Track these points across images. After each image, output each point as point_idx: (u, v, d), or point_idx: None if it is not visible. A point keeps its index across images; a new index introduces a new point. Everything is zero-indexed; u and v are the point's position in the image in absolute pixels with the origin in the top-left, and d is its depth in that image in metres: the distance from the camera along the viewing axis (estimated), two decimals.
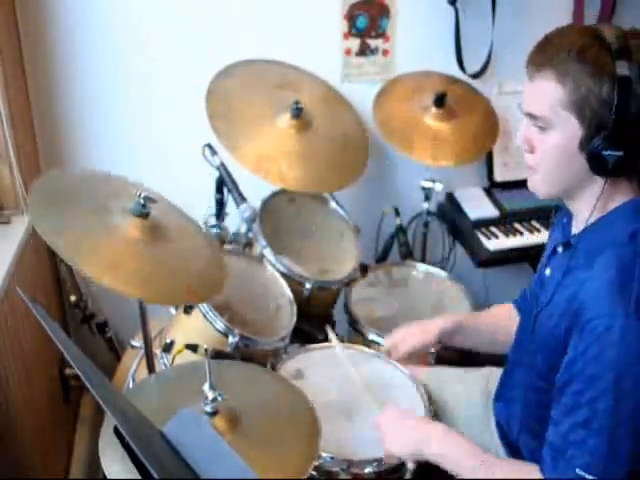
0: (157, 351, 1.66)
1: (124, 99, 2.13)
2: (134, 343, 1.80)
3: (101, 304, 2.30)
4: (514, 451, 1.40)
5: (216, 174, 1.94)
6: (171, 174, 2.07)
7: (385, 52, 2.24)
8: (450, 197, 2.34)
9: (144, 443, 0.88)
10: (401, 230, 2.27)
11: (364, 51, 2.22)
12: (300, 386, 1.47)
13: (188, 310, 1.65)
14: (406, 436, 1.36)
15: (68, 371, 2.12)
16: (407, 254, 2.26)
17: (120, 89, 2.12)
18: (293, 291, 1.85)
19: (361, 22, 2.18)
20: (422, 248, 2.28)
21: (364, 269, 2.06)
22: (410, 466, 1.40)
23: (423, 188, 2.17)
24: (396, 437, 1.37)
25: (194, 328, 1.64)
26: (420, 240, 2.29)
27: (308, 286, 1.87)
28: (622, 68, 1.06)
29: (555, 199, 1.25)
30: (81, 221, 1.32)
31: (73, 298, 2.21)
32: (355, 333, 1.91)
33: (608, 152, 1.09)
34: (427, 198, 2.19)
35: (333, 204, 2.14)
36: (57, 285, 2.23)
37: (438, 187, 2.15)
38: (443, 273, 2.13)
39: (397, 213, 2.28)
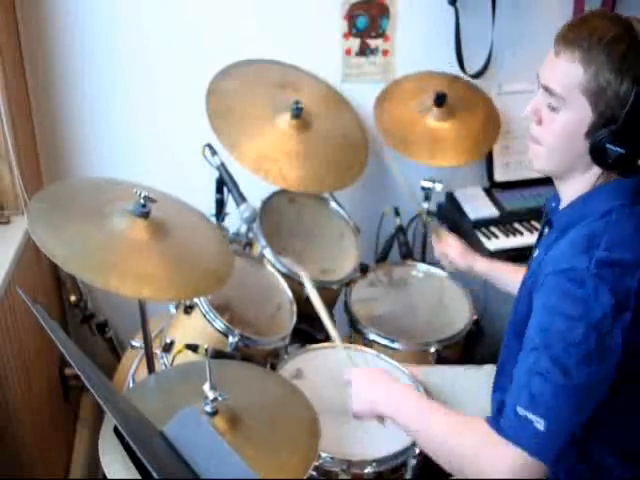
0: (157, 351, 1.66)
1: (124, 99, 2.13)
2: (134, 343, 1.80)
3: (101, 304, 2.30)
4: None
5: (216, 174, 1.94)
6: (171, 174, 2.07)
7: (385, 52, 2.24)
8: (450, 197, 2.34)
9: (144, 443, 0.88)
10: (401, 230, 2.27)
11: (364, 51, 2.22)
12: (300, 386, 1.47)
13: (188, 310, 1.65)
14: (364, 397, 1.36)
15: (68, 371, 2.12)
16: (407, 254, 2.26)
17: (120, 89, 2.12)
18: (293, 291, 1.84)
19: (361, 22, 2.18)
20: (422, 248, 2.28)
21: (364, 269, 2.06)
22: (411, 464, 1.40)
23: (423, 188, 2.16)
24: (357, 397, 1.37)
25: (194, 328, 1.64)
26: (420, 240, 2.29)
27: None
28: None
29: (545, 174, 1.27)
30: (80, 229, 1.32)
31: (73, 298, 2.21)
32: (355, 333, 1.91)
33: (611, 146, 1.11)
34: (427, 198, 2.18)
35: (333, 204, 2.14)
36: (57, 285, 2.23)
37: (438, 187, 2.15)
38: (443, 273, 2.13)
39: (397, 213, 2.28)
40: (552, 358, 1.08)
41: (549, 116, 1.18)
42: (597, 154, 1.14)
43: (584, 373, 1.07)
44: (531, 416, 1.07)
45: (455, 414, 1.22)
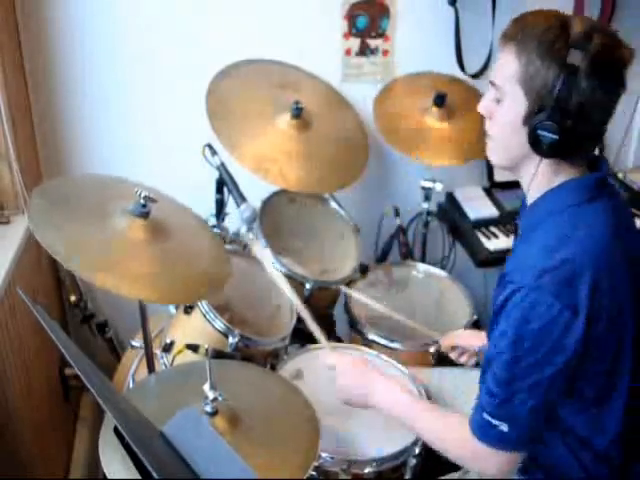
0: (157, 351, 1.66)
1: (124, 99, 2.13)
2: (134, 343, 1.80)
3: (101, 304, 2.30)
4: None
5: (216, 174, 1.94)
6: (171, 174, 2.07)
7: (385, 52, 2.24)
8: (450, 197, 2.34)
9: (144, 443, 0.88)
10: (401, 230, 2.27)
11: (364, 51, 2.22)
12: (300, 386, 1.47)
13: (188, 310, 1.65)
14: (353, 391, 1.42)
15: (68, 371, 2.12)
16: (407, 254, 2.26)
17: (120, 89, 2.12)
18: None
19: (361, 22, 2.18)
20: (422, 248, 2.28)
21: (364, 269, 2.06)
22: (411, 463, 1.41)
23: (423, 188, 2.16)
24: (345, 388, 1.43)
25: (194, 328, 1.64)
26: (420, 240, 2.29)
27: (308, 286, 1.87)
28: (573, 57, 1.11)
29: (502, 168, 1.32)
30: (80, 226, 1.32)
31: (73, 298, 2.21)
32: (355, 333, 1.91)
33: (544, 133, 1.15)
34: (427, 198, 2.18)
35: (333, 204, 2.14)
36: (57, 285, 2.23)
37: (438, 187, 2.15)
38: (443, 273, 2.13)
39: (397, 213, 2.28)
40: (505, 366, 1.16)
41: (495, 108, 1.24)
42: (533, 141, 1.17)
43: (532, 378, 1.14)
44: (495, 422, 1.18)
45: (438, 414, 1.33)
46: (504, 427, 1.18)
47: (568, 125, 1.13)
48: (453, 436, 1.28)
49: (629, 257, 1.20)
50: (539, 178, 1.23)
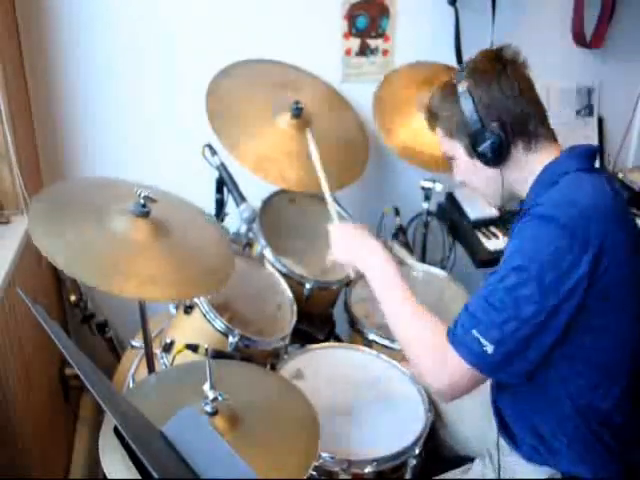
0: (157, 351, 1.66)
1: (124, 99, 2.13)
2: (134, 343, 1.80)
3: (101, 304, 2.30)
4: (515, 445, 1.40)
5: (216, 174, 1.94)
6: (171, 174, 2.07)
7: (385, 52, 2.24)
8: (450, 197, 2.34)
9: (144, 443, 0.88)
10: (401, 230, 2.27)
11: (364, 51, 2.22)
12: (300, 386, 1.47)
13: (188, 310, 1.65)
14: (350, 251, 1.46)
15: (68, 371, 2.12)
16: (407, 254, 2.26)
17: (120, 89, 2.12)
18: (293, 291, 1.85)
19: (361, 22, 2.18)
20: (422, 248, 2.28)
21: None
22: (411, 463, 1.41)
23: (423, 188, 2.16)
24: (341, 248, 1.48)
25: (194, 328, 1.64)
26: (420, 240, 2.29)
27: (308, 286, 1.87)
28: (461, 86, 1.32)
29: (510, 202, 1.43)
30: (81, 230, 1.31)
31: (73, 298, 2.21)
32: (355, 333, 1.91)
33: (482, 148, 1.31)
34: (427, 198, 2.18)
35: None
36: (57, 285, 2.23)
37: (438, 187, 2.15)
38: (443, 273, 2.13)
39: (397, 213, 2.28)
40: (506, 290, 1.18)
41: (458, 168, 1.42)
42: (486, 160, 1.33)
43: (531, 308, 1.16)
44: (483, 341, 1.19)
45: (423, 309, 1.32)
46: (489, 348, 1.19)
47: (494, 127, 1.29)
48: (426, 338, 1.28)
49: (632, 235, 1.25)
50: (524, 172, 1.33)
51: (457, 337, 1.23)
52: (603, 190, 1.25)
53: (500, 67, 1.31)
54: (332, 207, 1.68)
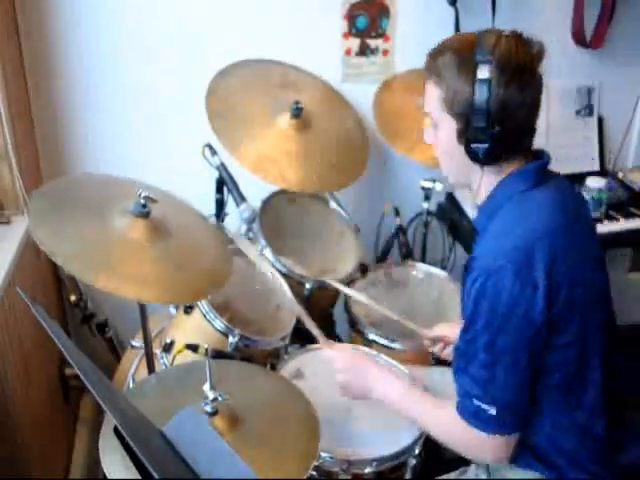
0: (157, 351, 1.66)
1: (124, 99, 2.13)
2: (134, 343, 1.80)
3: (101, 304, 2.30)
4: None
5: (216, 174, 1.94)
6: (171, 174, 2.07)
7: (385, 52, 2.24)
8: (450, 197, 2.34)
9: (144, 443, 0.88)
10: (401, 230, 2.27)
11: (364, 51, 2.22)
12: (300, 386, 1.47)
13: (188, 310, 1.65)
14: (353, 388, 1.46)
15: (68, 371, 2.12)
16: (407, 254, 2.26)
17: (119, 89, 2.12)
18: (293, 291, 1.84)
19: (361, 22, 2.18)
20: (422, 248, 2.28)
21: (364, 269, 2.06)
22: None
23: (423, 188, 2.16)
24: (345, 385, 1.47)
25: (194, 328, 1.64)
26: (420, 240, 2.29)
27: (308, 286, 1.87)
28: (482, 71, 1.19)
29: (462, 187, 1.39)
30: (81, 228, 1.32)
31: (73, 298, 2.21)
32: (355, 333, 1.91)
33: (477, 145, 1.23)
34: (427, 198, 2.18)
35: (333, 204, 2.14)
36: (57, 285, 2.23)
37: (438, 187, 2.15)
38: (443, 273, 2.13)
39: (397, 213, 2.28)
40: (483, 349, 1.21)
41: (434, 135, 1.32)
42: (471, 155, 1.26)
43: (510, 357, 1.19)
44: (484, 406, 1.22)
45: (432, 407, 1.37)
46: (492, 410, 1.22)
47: (496, 132, 1.21)
48: (450, 428, 1.31)
49: (582, 241, 1.27)
50: (485, 180, 1.30)
51: (465, 413, 1.26)
52: (547, 208, 1.25)
53: (529, 68, 1.22)
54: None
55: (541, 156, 1.31)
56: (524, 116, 1.23)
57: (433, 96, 1.27)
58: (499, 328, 1.19)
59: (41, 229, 1.27)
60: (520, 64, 1.20)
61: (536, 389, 1.26)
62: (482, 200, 1.33)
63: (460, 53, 1.23)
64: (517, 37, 1.23)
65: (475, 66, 1.20)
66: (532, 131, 1.28)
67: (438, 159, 1.36)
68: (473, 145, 1.24)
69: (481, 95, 1.20)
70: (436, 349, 1.73)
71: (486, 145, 1.23)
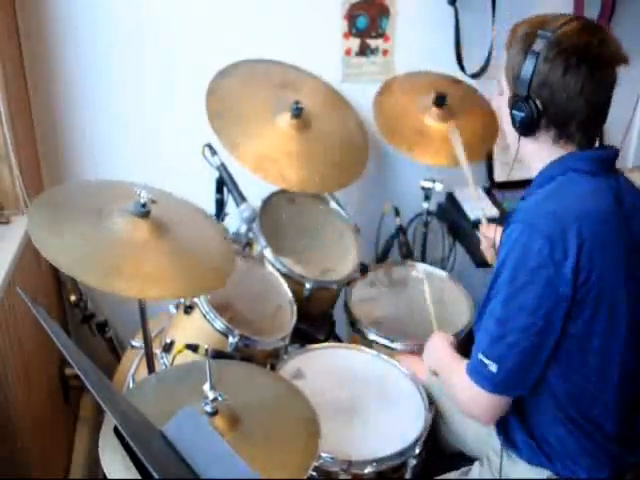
0: (157, 351, 1.66)
1: (124, 99, 2.13)
2: (134, 343, 1.80)
3: (101, 304, 2.30)
4: (513, 446, 1.40)
5: (216, 174, 1.94)
6: (171, 174, 2.07)
7: (385, 52, 2.24)
8: (450, 197, 2.34)
9: (144, 443, 0.88)
10: (401, 230, 2.27)
11: (364, 51, 2.22)
12: (300, 386, 1.47)
13: (188, 310, 1.65)
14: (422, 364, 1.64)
15: (68, 371, 2.12)
16: (407, 254, 2.26)
17: (120, 89, 2.12)
18: (293, 291, 1.84)
19: (361, 22, 2.18)
20: (422, 248, 2.28)
21: (364, 269, 2.06)
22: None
23: (423, 188, 2.16)
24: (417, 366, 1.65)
25: (194, 328, 1.64)
26: (420, 240, 2.29)
27: (308, 286, 1.87)
28: (537, 44, 1.23)
29: (519, 157, 1.39)
30: (81, 231, 1.32)
31: (73, 298, 2.21)
32: (355, 333, 1.91)
33: (515, 112, 1.29)
34: (427, 198, 2.18)
35: (333, 204, 2.14)
36: (57, 285, 2.23)
37: (438, 187, 2.15)
38: (443, 273, 2.13)
39: (397, 213, 2.28)
40: (502, 304, 1.23)
41: (500, 104, 1.38)
42: (513, 123, 1.31)
43: (525, 319, 1.21)
44: (486, 361, 1.25)
45: (452, 361, 1.49)
46: (493, 367, 1.24)
47: (534, 104, 1.25)
48: (457, 382, 1.37)
49: (627, 240, 1.26)
50: (537, 155, 1.33)
51: (469, 366, 1.31)
52: (599, 194, 1.25)
53: (582, 55, 1.22)
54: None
55: (608, 148, 1.34)
56: (565, 99, 1.24)
57: (504, 64, 1.33)
58: (521, 284, 1.20)
59: (41, 236, 1.27)
60: (574, 48, 1.22)
61: (550, 378, 1.27)
62: (536, 170, 1.34)
63: (531, 27, 1.27)
64: (590, 26, 1.26)
65: (534, 39, 1.24)
66: (583, 121, 1.27)
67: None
68: (513, 111, 1.29)
69: (528, 66, 1.24)
70: (484, 245, 1.85)
71: (522, 114, 1.27)
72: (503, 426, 1.41)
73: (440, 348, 1.59)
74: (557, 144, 1.29)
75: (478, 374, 1.28)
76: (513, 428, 1.39)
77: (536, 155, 1.33)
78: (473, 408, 1.34)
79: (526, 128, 1.29)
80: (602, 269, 1.20)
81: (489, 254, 1.82)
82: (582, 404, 1.29)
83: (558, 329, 1.21)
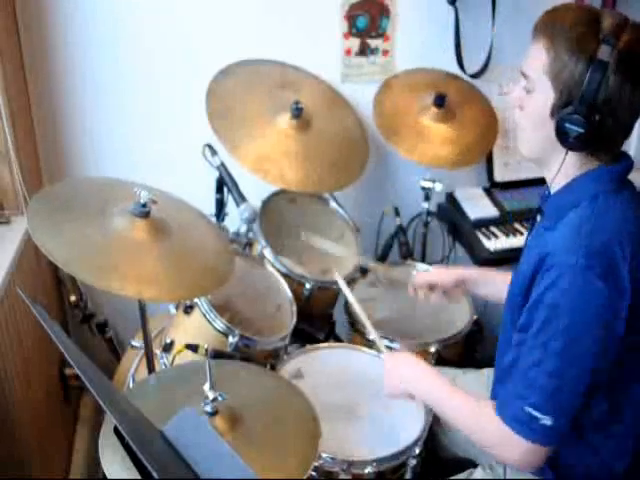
0: (157, 351, 1.66)
1: (124, 99, 2.13)
2: (134, 343, 1.80)
3: (101, 304, 2.30)
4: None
5: (216, 174, 1.94)
6: (171, 174, 2.07)
7: (385, 52, 2.24)
8: (450, 197, 2.34)
9: (144, 443, 0.88)
10: (401, 230, 2.27)
11: (364, 51, 2.22)
12: (300, 386, 1.47)
13: (188, 310, 1.65)
14: (398, 385, 1.47)
15: (68, 371, 2.12)
16: (407, 254, 2.26)
17: (120, 89, 2.12)
18: (293, 291, 1.84)
19: (361, 22, 2.18)
20: (422, 248, 2.28)
21: (364, 269, 2.06)
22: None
23: (423, 188, 2.16)
24: (390, 383, 1.48)
25: (194, 328, 1.64)
26: (420, 240, 2.29)
27: (308, 286, 1.87)
28: (602, 52, 1.11)
29: (529, 160, 1.32)
30: (80, 230, 1.31)
31: (73, 298, 2.21)
32: (355, 333, 1.91)
33: (570, 126, 1.16)
34: (427, 198, 2.18)
35: (333, 204, 2.14)
36: (57, 285, 2.23)
37: (438, 187, 2.15)
38: None
39: (397, 213, 2.28)
40: (557, 356, 1.14)
41: (526, 99, 1.24)
42: (560, 133, 1.18)
43: (584, 364, 1.15)
44: (539, 415, 1.16)
45: (468, 402, 1.32)
46: (548, 421, 1.16)
47: (594, 120, 1.14)
48: (484, 426, 1.27)
49: None
50: (565, 169, 1.23)
51: (508, 414, 1.21)
52: (630, 213, 1.21)
53: None
54: (379, 341, 1.67)
55: (623, 160, 1.25)
56: (627, 114, 1.16)
57: (538, 58, 1.18)
58: (581, 334, 1.13)
59: (41, 232, 1.26)
60: None
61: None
62: (557, 187, 1.26)
63: (581, 25, 1.14)
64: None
65: (595, 45, 1.12)
66: (628, 132, 1.21)
67: (517, 122, 1.29)
68: (567, 125, 1.16)
69: (593, 77, 1.12)
70: (421, 294, 1.74)
71: (580, 130, 1.15)
72: None
73: (427, 374, 1.42)
74: (590, 158, 1.22)
75: (524, 426, 1.18)
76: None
77: (564, 168, 1.23)
78: (516, 456, 1.22)
79: (581, 145, 1.18)
80: None
81: (434, 299, 1.74)
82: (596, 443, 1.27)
83: (611, 359, 1.18)
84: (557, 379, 1.15)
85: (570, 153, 1.21)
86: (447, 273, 1.73)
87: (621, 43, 1.12)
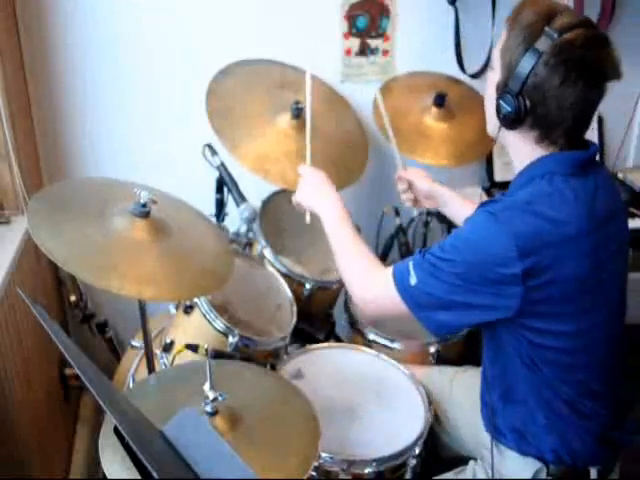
0: (157, 351, 1.66)
1: (124, 99, 2.13)
2: (134, 343, 1.80)
3: (101, 304, 2.30)
4: (501, 436, 1.41)
5: (216, 174, 1.94)
6: (171, 174, 2.07)
7: (385, 52, 2.24)
8: None
9: (144, 443, 0.88)
10: (401, 230, 2.27)
11: (364, 51, 2.22)
12: (300, 386, 1.47)
13: (188, 310, 1.65)
14: (313, 198, 1.62)
15: (68, 371, 2.12)
16: (407, 254, 2.26)
17: (120, 89, 2.12)
18: (293, 291, 1.85)
19: (361, 22, 2.18)
20: (422, 248, 2.28)
21: None
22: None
23: None
24: (305, 194, 1.62)
25: (194, 328, 1.64)
26: (420, 240, 2.29)
27: (308, 286, 1.87)
28: (541, 43, 1.19)
29: (495, 140, 1.37)
30: (80, 229, 1.31)
31: (73, 298, 2.21)
32: (355, 333, 1.91)
33: (502, 103, 1.26)
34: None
35: None
36: (57, 285, 2.23)
37: None
38: None
39: (397, 213, 2.28)
40: (449, 245, 1.28)
41: (488, 80, 1.35)
42: (497, 111, 1.28)
43: (455, 277, 1.25)
44: (412, 270, 1.31)
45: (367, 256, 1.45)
46: (413, 280, 1.29)
47: (524, 102, 1.22)
48: (364, 260, 1.43)
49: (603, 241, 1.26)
50: (517, 148, 1.32)
51: (396, 264, 1.36)
52: (576, 201, 1.23)
53: (586, 68, 1.20)
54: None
55: (587, 147, 1.30)
56: (555, 108, 1.22)
57: (500, 42, 1.28)
58: (468, 260, 1.24)
59: (41, 231, 1.26)
60: (577, 61, 1.19)
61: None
62: (516, 169, 1.34)
63: (538, 17, 1.22)
64: (596, 38, 1.23)
65: (538, 35, 1.20)
66: (568, 129, 1.25)
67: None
68: (500, 102, 1.26)
69: (526, 62, 1.20)
70: (400, 188, 1.80)
71: (508, 108, 1.24)
72: (490, 414, 1.43)
73: (343, 218, 1.56)
74: (540, 144, 1.28)
75: (398, 274, 1.33)
76: (500, 414, 1.40)
77: (517, 148, 1.32)
78: (370, 290, 1.38)
79: (509, 122, 1.27)
80: (559, 273, 1.21)
81: (405, 197, 1.81)
82: (561, 369, 1.31)
83: (495, 306, 1.24)
84: (436, 263, 1.27)
85: (524, 140, 1.28)
86: (425, 181, 1.78)
87: (561, 39, 1.18)
